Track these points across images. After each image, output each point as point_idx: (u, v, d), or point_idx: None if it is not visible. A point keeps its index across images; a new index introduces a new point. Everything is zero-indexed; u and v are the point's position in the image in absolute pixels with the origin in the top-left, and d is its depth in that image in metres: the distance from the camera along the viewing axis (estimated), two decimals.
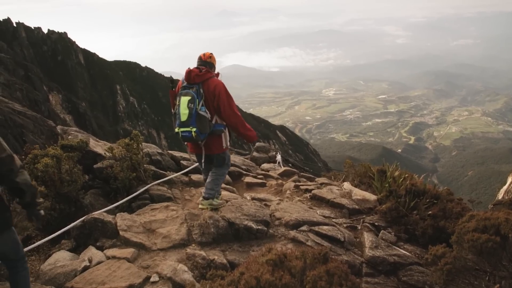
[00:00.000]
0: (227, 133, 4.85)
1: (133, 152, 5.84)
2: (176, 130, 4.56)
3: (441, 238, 4.55)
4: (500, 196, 12.71)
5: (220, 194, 5.30)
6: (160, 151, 7.32)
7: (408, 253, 4.58)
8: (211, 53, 4.89)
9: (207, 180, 5.00)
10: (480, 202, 7.78)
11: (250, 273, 2.20)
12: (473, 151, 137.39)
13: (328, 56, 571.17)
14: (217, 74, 4.84)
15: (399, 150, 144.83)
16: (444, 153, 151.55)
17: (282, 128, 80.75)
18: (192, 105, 4.43)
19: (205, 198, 4.88)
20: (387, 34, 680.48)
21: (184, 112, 4.44)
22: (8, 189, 2.83)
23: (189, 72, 4.61)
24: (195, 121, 4.44)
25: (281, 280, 2.12)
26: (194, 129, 4.43)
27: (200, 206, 4.95)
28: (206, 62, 4.78)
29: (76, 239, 4.50)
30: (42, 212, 3.03)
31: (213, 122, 4.66)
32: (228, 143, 4.92)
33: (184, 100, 4.47)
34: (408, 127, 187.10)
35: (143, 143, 6.52)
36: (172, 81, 4.83)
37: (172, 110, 4.71)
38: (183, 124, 4.46)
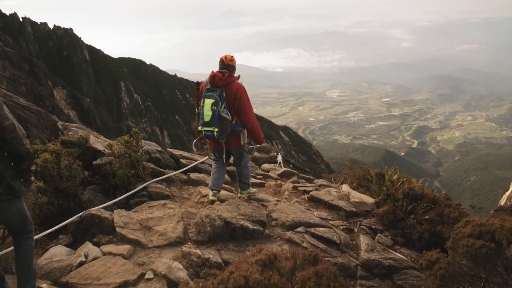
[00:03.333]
0: (245, 132, 5.34)
1: (132, 150, 5.87)
2: (199, 128, 5.05)
3: (437, 243, 4.56)
4: (502, 202, 12.63)
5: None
6: (159, 149, 7.33)
7: (404, 257, 4.57)
8: (232, 56, 5.33)
9: (238, 179, 5.73)
10: (481, 208, 7.77)
11: (240, 272, 2.22)
12: (476, 156, 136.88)
13: (333, 57, 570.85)
14: (238, 77, 5.23)
15: (402, 154, 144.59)
16: (447, 157, 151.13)
17: (286, 129, 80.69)
18: (215, 107, 4.88)
19: (242, 189, 5.74)
20: (392, 37, 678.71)
21: (207, 113, 4.88)
22: (8, 155, 2.95)
23: (213, 76, 5.01)
24: (217, 122, 4.91)
25: (269, 280, 2.14)
26: (216, 130, 4.91)
27: (239, 195, 5.78)
28: (228, 65, 5.20)
29: (73, 234, 4.53)
30: (32, 178, 3.27)
31: (233, 122, 5.13)
32: (246, 141, 5.44)
33: (208, 102, 4.90)
34: (412, 131, 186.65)
35: (142, 141, 6.55)
36: (197, 84, 5.31)
37: (196, 110, 5.18)
38: (206, 124, 4.93)
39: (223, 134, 5.01)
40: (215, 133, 4.92)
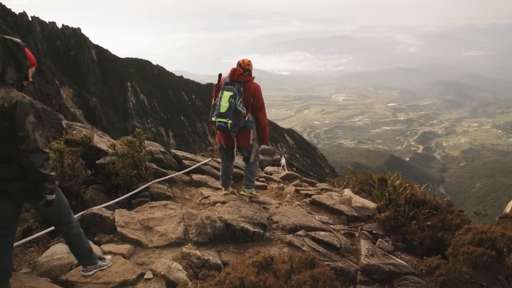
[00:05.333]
0: (255, 130, 5.52)
1: (135, 150, 5.89)
2: (213, 119, 5.23)
3: (438, 249, 4.53)
4: (507, 209, 12.51)
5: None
6: (162, 149, 7.34)
7: (404, 263, 4.56)
8: (250, 60, 5.59)
9: (244, 174, 5.85)
10: (486, 215, 7.72)
11: (235, 273, 2.22)
12: (482, 163, 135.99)
13: (339, 61, 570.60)
14: (253, 78, 5.45)
15: (407, 159, 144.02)
16: (452, 163, 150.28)
17: (291, 132, 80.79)
18: (233, 100, 5.09)
19: (247, 187, 5.81)
20: (399, 42, 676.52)
21: (224, 105, 5.09)
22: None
23: (234, 71, 5.27)
24: (232, 114, 5.09)
25: (265, 282, 2.14)
26: (230, 122, 5.08)
27: (241, 192, 5.84)
28: (245, 69, 5.42)
29: None
30: (49, 197, 3.14)
31: (246, 118, 5.30)
32: (256, 136, 5.58)
33: (226, 94, 5.13)
34: (417, 136, 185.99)
35: (146, 141, 6.57)
36: (219, 76, 5.45)
37: (213, 101, 5.36)
38: (221, 115, 5.11)
39: (235, 127, 5.16)
40: (228, 124, 5.07)
